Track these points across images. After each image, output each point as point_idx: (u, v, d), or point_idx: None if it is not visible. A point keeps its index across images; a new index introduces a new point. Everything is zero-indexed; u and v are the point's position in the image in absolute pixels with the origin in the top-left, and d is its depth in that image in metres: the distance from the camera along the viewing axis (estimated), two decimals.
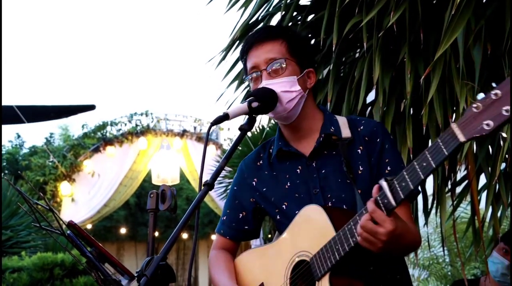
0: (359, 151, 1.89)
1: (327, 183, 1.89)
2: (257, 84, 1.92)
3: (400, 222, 1.58)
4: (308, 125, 1.97)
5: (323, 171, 1.91)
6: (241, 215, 2.09)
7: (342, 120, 1.97)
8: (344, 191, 1.87)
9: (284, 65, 1.91)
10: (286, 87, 1.89)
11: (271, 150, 2.06)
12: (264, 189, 2.03)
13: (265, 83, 1.89)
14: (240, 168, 2.14)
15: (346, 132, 1.92)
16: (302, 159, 1.96)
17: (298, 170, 1.96)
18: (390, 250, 1.60)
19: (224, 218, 2.14)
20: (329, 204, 1.86)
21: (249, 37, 2.04)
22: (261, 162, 2.09)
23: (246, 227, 2.09)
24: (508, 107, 1.20)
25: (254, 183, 2.06)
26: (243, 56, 2.03)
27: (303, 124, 1.97)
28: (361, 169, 1.87)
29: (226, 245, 2.13)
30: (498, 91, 1.22)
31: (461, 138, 1.28)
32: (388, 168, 1.86)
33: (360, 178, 1.85)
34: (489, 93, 1.23)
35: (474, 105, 1.25)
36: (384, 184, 1.50)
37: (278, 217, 1.98)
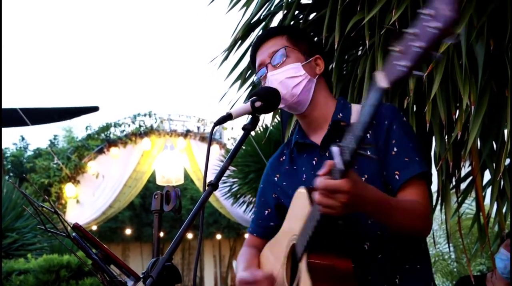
0: (368, 135, 1.84)
1: None
2: (263, 82, 1.97)
3: (357, 183, 1.51)
4: (321, 114, 1.97)
5: None
6: (266, 212, 2.13)
7: (356, 108, 1.96)
8: None
9: (285, 54, 1.96)
10: (291, 73, 1.92)
11: (292, 145, 2.09)
12: (284, 183, 2.06)
13: (270, 74, 1.94)
14: (266, 166, 2.19)
15: (356, 117, 1.89)
16: (316, 150, 1.96)
17: (314, 162, 1.96)
18: (354, 211, 1.55)
19: (253, 216, 2.20)
20: None
21: (254, 40, 2.11)
22: (283, 158, 2.12)
23: (271, 224, 2.11)
24: (421, 43, 1.16)
25: (276, 178, 2.10)
26: (253, 60, 2.10)
27: (315, 113, 1.98)
28: (368, 153, 1.83)
29: (254, 242, 2.16)
30: (414, 30, 1.18)
31: (384, 84, 1.24)
32: (395, 149, 1.82)
33: (367, 164, 1.81)
34: (406, 34, 1.20)
35: (393, 48, 1.23)
36: (335, 149, 1.45)
37: None
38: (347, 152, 1.39)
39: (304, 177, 1.97)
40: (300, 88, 1.91)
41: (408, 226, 1.71)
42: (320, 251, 1.65)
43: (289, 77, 1.91)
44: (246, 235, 2.22)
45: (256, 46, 2.07)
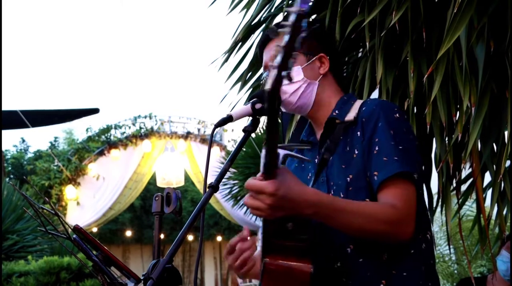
0: (358, 133, 1.78)
1: (331, 170, 1.81)
2: None
3: (290, 183, 1.47)
4: (325, 114, 1.91)
5: (331, 158, 1.84)
6: (258, 234, 2.08)
7: (357, 104, 1.88)
8: (340, 178, 1.78)
9: None
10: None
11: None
12: None
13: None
14: None
15: (351, 115, 1.83)
16: (317, 148, 1.92)
17: (316, 160, 1.91)
18: (288, 213, 1.49)
19: None
20: (331, 192, 1.78)
21: (261, 37, 2.08)
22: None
23: None
24: None
25: None
26: (260, 58, 2.06)
27: (319, 113, 1.93)
28: (356, 152, 1.77)
29: None
30: None
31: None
32: (376, 148, 1.71)
33: (354, 163, 1.75)
34: None
35: None
36: (263, 152, 1.41)
37: None
38: (266, 153, 1.37)
39: (309, 175, 1.92)
40: (298, 94, 1.87)
41: (368, 230, 1.59)
42: (278, 253, 1.57)
43: (286, 84, 1.89)
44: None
45: (261, 46, 2.02)
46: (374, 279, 1.69)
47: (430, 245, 1.81)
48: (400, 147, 1.71)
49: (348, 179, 1.73)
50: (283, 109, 1.93)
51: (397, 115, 1.79)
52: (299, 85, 1.88)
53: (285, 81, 1.86)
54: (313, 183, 1.83)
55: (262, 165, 1.43)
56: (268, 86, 1.26)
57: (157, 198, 1.59)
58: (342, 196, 1.74)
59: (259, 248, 1.83)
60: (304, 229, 1.58)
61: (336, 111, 1.88)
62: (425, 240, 1.78)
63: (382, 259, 1.70)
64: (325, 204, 1.53)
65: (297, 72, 1.89)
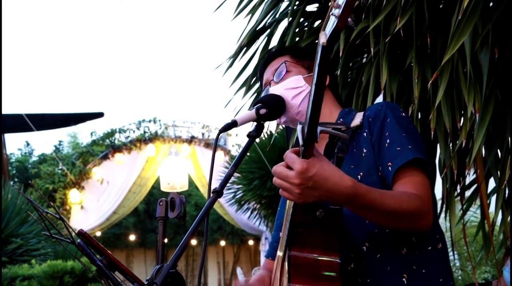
0: (364, 134, 1.80)
1: (343, 170, 1.83)
2: None
3: (323, 164, 1.42)
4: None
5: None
6: (280, 234, 2.07)
7: (360, 114, 1.90)
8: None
9: (285, 69, 1.95)
10: (291, 85, 1.90)
11: None
12: None
13: (271, 88, 1.93)
14: None
15: (357, 121, 1.85)
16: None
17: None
18: (320, 198, 1.43)
19: (270, 240, 2.15)
20: None
21: (260, 64, 2.12)
22: None
23: None
24: None
25: None
26: (261, 85, 2.09)
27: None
28: (364, 151, 1.77)
29: (269, 266, 2.08)
30: None
31: (323, 40, 1.21)
32: (388, 141, 1.71)
33: (363, 161, 1.75)
34: None
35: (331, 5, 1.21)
36: (299, 127, 1.38)
37: None
38: (305, 128, 1.33)
39: None
40: (301, 98, 1.89)
41: (396, 221, 1.57)
42: (304, 245, 1.51)
43: (288, 88, 1.89)
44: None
45: (261, 69, 2.08)
46: (394, 273, 1.66)
47: (446, 245, 1.80)
48: (412, 138, 1.71)
49: (359, 176, 1.72)
50: (284, 118, 1.92)
51: (403, 114, 1.81)
52: (301, 90, 1.90)
53: (289, 86, 1.87)
54: None
55: (300, 138, 1.37)
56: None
57: (161, 203, 1.59)
58: None
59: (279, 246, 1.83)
60: (334, 218, 1.52)
61: (341, 120, 1.90)
62: (442, 241, 1.77)
63: (402, 253, 1.68)
64: (362, 192, 1.47)
65: (299, 80, 1.92)
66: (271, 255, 2.12)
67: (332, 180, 1.42)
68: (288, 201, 1.66)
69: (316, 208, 1.50)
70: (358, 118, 1.86)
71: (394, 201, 1.56)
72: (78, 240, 1.51)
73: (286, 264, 1.53)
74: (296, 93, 1.90)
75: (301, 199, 1.42)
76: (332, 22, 1.20)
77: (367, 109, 1.89)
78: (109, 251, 1.54)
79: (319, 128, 1.48)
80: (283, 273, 1.57)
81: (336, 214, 1.53)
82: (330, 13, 1.22)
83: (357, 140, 1.82)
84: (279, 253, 1.77)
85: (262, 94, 2.04)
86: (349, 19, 1.18)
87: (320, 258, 1.50)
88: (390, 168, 1.67)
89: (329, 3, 1.24)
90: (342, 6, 1.16)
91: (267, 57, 2.09)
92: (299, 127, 1.37)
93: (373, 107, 1.86)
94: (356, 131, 1.84)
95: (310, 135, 1.34)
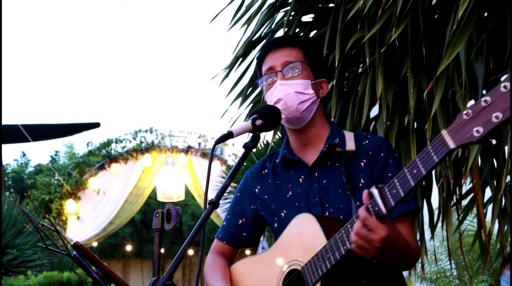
0: (362, 164, 1.89)
1: (326, 193, 1.90)
2: (270, 89, 1.96)
3: (393, 228, 1.59)
4: (316, 134, 1.98)
5: (324, 181, 1.92)
6: (240, 221, 2.10)
7: (349, 135, 1.98)
8: (342, 201, 1.86)
9: (299, 69, 1.96)
10: (300, 89, 1.93)
11: (277, 160, 2.08)
12: (266, 196, 2.04)
13: (280, 83, 1.93)
14: (245, 176, 2.17)
15: (350, 145, 1.93)
16: (305, 168, 1.96)
17: (300, 179, 1.97)
18: (384, 257, 1.62)
19: (224, 223, 2.16)
20: (327, 214, 1.87)
21: (266, 43, 2.12)
22: (266, 171, 2.10)
23: (244, 234, 2.10)
24: (498, 114, 1.19)
25: (256, 190, 2.08)
26: (260, 62, 2.08)
27: (311, 132, 1.98)
28: (362, 181, 1.87)
29: (224, 250, 2.15)
30: (488, 98, 1.22)
31: (451, 145, 1.28)
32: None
33: (361, 190, 1.77)
34: (480, 100, 1.23)
35: (465, 112, 1.25)
36: (375, 191, 1.50)
37: (275, 225, 1.99)
38: (389, 197, 1.46)
39: (290, 193, 1.97)
40: (305, 106, 1.92)
41: (408, 261, 1.81)
42: (332, 283, 1.70)
43: (298, 91, 1.91)
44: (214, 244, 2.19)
45: (269, 48, 2.04)
46: None
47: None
48: None
49: (356, 205, 1.81)
50: (283, 115, 1.91)
51: (396, 154, 1.97)
52: (308, 98, 1.94)
53: (298, 90, 1.90)
54: (298, 202, 1.92)
55: (381, 205, 1.51)
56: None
57: (157, 215, 1.59)
58: (341, 218, 1.83)
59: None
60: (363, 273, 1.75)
61: (337, 140, 1.94)
62: None
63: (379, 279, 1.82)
64: (398, 235, 1.66)
65: (307, 86, 1.94)
66: (226, 239, 2.14)
67: (399, 245, 1.65)
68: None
69: (361, 277, 1.74)
70: (350, 142, 1.94)
71: (411, 245, 1.77)
72: (74, 252, 1.51)
73: None
74: (303, 99, 1.92)
75: (373, 257, 1.59)
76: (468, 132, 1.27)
77: (361, 137, 1.97)
78: (105, 263, 1.54)
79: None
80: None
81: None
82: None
83: (353, 166, 1.89)
84: (278, 266, 1.87)
85: (264, 83, 2.03)
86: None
87: None
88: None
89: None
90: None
91: (281, 39, 2.10)
92: (375, 191, 1.51)
93: (371, 140, 1.95)
94: (352, 158, 1.90)
95: (392, 207, 1.49)
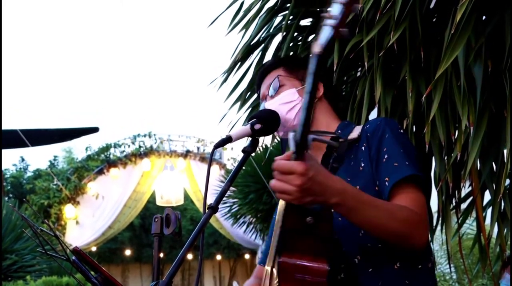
0: (362, 148, 1.82)
1: None
2: None
3: (318, 166, 1.46)
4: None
5: (339, 169, 1.86)
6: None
7: (358, 127, 1.93)
8: None
9: (278, 84, 1.99)
10: (285, 99, 1.94)
11: None
12: None
13: (266, 104, 1.97)
14: None
15: (354, 134, 1.88)
16: None
17: None
18: (338, 208, 1.48)
19: (263, 246, 2.16)
20: None
21: (258, 73, 2.15)
22: None
23: None
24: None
25: None
26: (258, 97, 2.15)
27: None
28: (362, 165, 1.80)
29: (260, 272, 2.10)
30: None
31: (317, 50, 1.27)
32: (385, 156, 1.74)
33: (361, 175, 1.78)
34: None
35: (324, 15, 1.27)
36: (290, 134, 1.42)
37: None
38: (298, 134, 1.37)
39: None
40: (295, 112, 1.91)
41: (389, 228, 1.56)
42: (294, 251, 1.52)
43: (283, 103, 1.92)
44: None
45: (258, 83, 2.12)
46: None
47: (433, 265, 1.83)
48: (410, 155, 1.74)
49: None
50: (282, 132, 1.95)
51: (401, 130, 1.85)
52: (295, 104, 1.94)
53: (282, 101, 1.89)
54: None
55: (292, 145, 1.40)
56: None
57: (156, 219, 1.59)
58: None
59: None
60: (323, 224, 1.53)
61: (339, 131, 1.92)
62: (431, 261, 1.80)
63: (394, 268, 1.69)
64: (350, 193, 1.51)
65: (292, 94, 1.95)
66: (263, 261, 2.12)
67: (327, 180, 1.46)
68: (278, 209, 1.66)
69: (306, 214, 1.52)
70: (356, 132, 1.88)
71: (387, 204, 1.61)
72: (73, 257, 1.50)
73: (275, 270, 1.54)
74: (290, 107, 1.92)
75: (298, 199, 1.43)
76: (327, 32, 1.25)
77: (366, 123, 1.91)
78: (104, 268, 1.54)
79: (311, 136, 1.50)
80: (273, 279, 1.58)
81: (326, 218, 1.54)
82: (324, 24, 1.25)
83: (355, 153, 1.84)
84: (268, 261, 1.76)
85: (260, 108, 2.06)
86: (344, 29, 1.23)
87: (308, 264, 1.50)
88: (387, 183, 1.69)
89: (322, 14, 1.26)
90: (340, 16, 1.20)
91: (262, 70, 2.12)
92: (291, 134, 1.41)
93: (372, 122, 1.88)
94: (354, 144, 1.86)
95: (302, 141, 1.37)
